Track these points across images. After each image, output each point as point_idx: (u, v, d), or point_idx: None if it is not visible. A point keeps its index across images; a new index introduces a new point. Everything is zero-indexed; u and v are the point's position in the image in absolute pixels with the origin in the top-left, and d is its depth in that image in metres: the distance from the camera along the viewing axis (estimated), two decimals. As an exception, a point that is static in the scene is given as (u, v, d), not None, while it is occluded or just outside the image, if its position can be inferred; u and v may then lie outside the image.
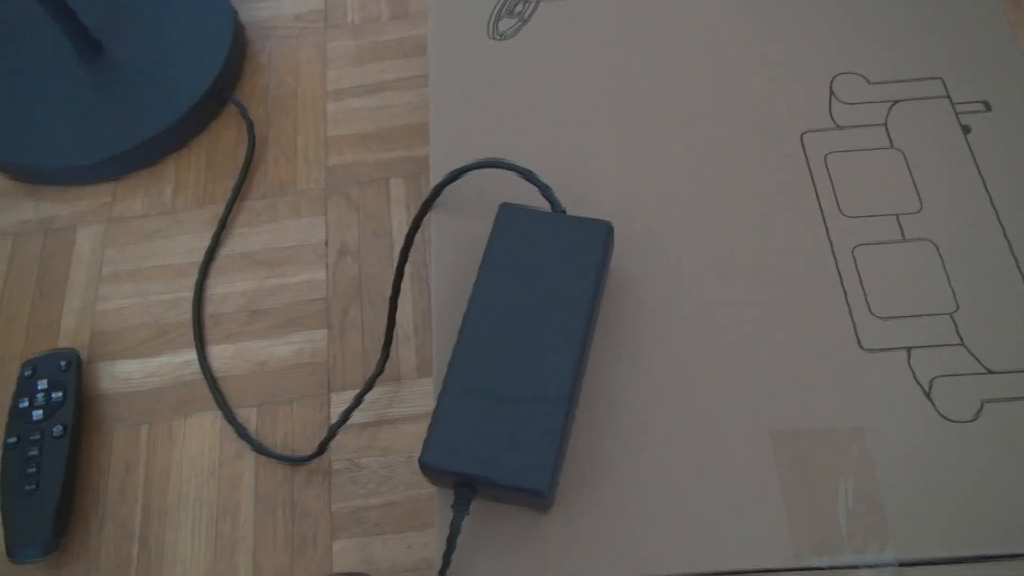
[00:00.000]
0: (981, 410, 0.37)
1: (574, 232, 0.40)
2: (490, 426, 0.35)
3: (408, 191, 0.60)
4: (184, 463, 0.51)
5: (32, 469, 0.49)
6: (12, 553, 0.47)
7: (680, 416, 0.40)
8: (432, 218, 0.47)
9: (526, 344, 0.37)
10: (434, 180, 0.48)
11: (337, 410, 0.52)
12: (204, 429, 0.52)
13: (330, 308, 0.56)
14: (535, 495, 0.34)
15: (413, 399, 0.52)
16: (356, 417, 0.52)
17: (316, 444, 0.51)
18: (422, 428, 0.51)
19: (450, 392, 0.36)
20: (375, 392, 0.53)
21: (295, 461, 0.50)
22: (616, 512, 0.38)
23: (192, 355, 0.55)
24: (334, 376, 0.54)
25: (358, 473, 0.50)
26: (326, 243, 0.59)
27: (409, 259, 0.57)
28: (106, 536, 0.50)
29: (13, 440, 0.50)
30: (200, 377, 0.54)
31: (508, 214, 0.41)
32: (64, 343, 0.56)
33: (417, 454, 0.50)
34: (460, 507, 0.35)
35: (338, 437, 0.51)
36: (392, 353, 0.54)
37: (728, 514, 0.38)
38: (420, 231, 0.59)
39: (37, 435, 0.50)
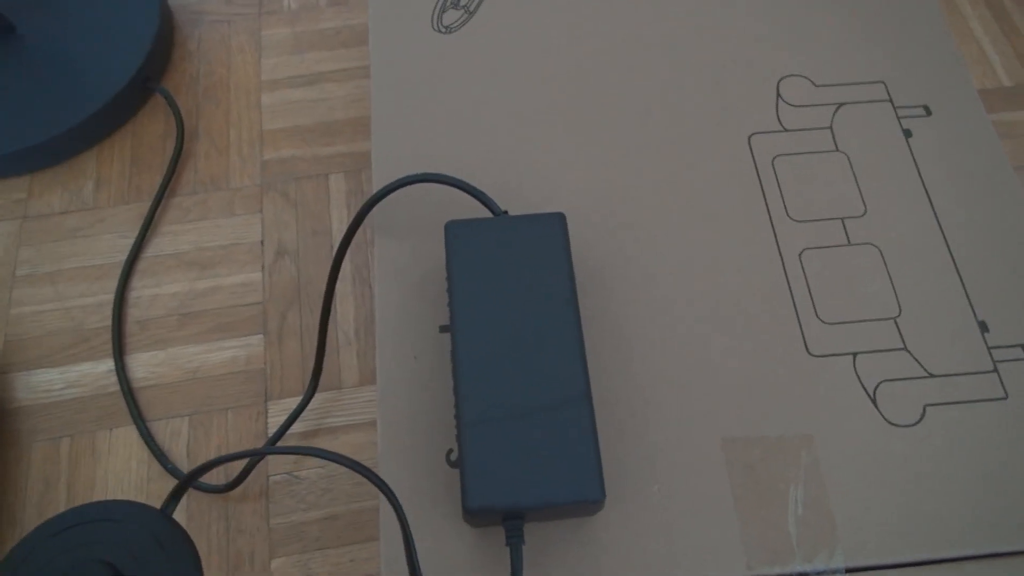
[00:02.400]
0: (924, 414, 0.38)
1: (529, 230, 0.39)
2: (523, 448, 0.34)
3: (349, 188, 0.58)
4: (110, 479, 0.48)
5: (-61, 490, 0.46)
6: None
7: (633, 418, 0.39)
8: (374, 232, 0.45)
9: (527, 353, 0.36)
10: (377, 181, 0.46)
11: (275, 420, 0.50)
12: (131, 442, 0.50)
13: (267, 312, 0.54)
14: (591, 504, 0.33)
15: (354, 407, 0.51)
16: (296, 427, 0.50)
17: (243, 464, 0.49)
18: (364, 437, 0.49)
19: (470, 425, 0.35)
20: (315, 399, 0.51)
21: (213, 490, 0.47)
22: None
23: (117, 362, 0.52)
24: (271, 384, 0.51)
25: (297, 486, 0.48)
26: (262, 243, 0.56)
27: (350, 261, 0.55)
28: (24, 559, 0.46)
29: (-83, 459, 0.46)
30: (126, 387, 0.51)
31: (457, 230, 0.40)
32: (-26, 351, 0.52)
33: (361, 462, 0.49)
34: (516, 538, 0.34)
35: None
36: (331, 360, 0.52)
37: (681, 521, 0.38)
38: (361, 230, 0.56)
39: (-56, 453, 0.47)
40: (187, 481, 0.32)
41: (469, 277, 0.38)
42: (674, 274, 0.42)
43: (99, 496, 0.48)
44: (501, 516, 0.35)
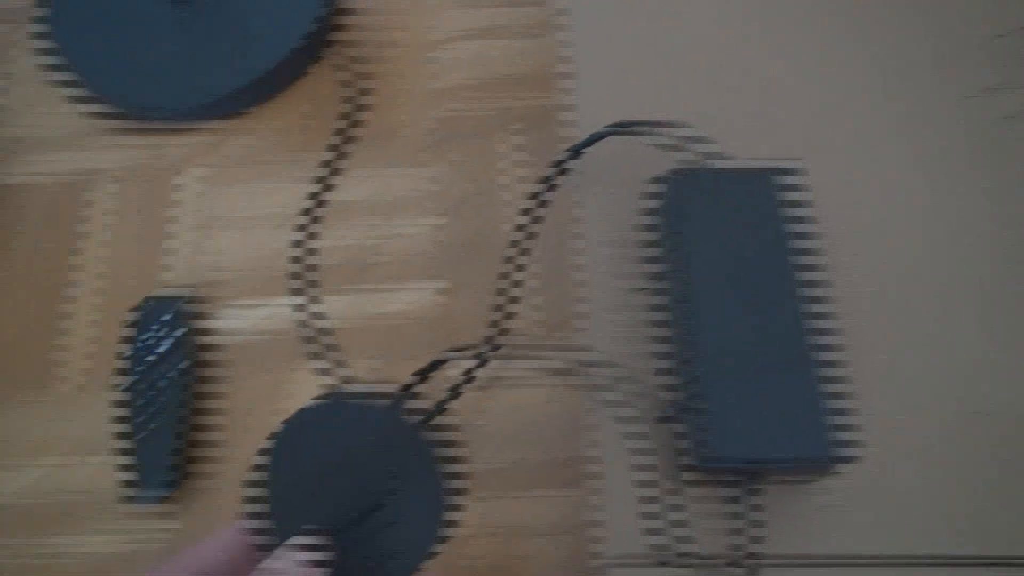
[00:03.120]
0: None
1: (756, 181, 0.38)
2: (764, 405, 0.33)
3: (522, 144, 0.58)
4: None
5: (149, 413, 0.48)
6: (131, 496, 0.46)
7: (873, 382, 0.38)
8: (574, 178, 0.44)
9: (763, 307, 0.35)
10: (580, 129, 0.45)
11: (456, 369, 0.51)
12: (318, 381, 0.51)
13: (444, 263, 0.54)
14: (837, 464, 0.33)
15: (535, 360, 0.51)
16: (480, 373, 0.50)
17: (430, 404, 0.50)
18: (544, 391, 0.50)
19: (707, 377, 0.34)
20: (496, 351, 0.51)
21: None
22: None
23: (301, 305, 0.53)
24: (450, 333, 0.52)
25: (478, 435, 0.49)
26: (437, 195, 0.57)
27: (534, 213, 0.55)
28: (221, 484, 0.49)
29: (128, 383, 0.49)
30: (310, 328, 0.53)
31: (679, 179, 0.39)
32: (171, 288, 0.55)
33: (540, 415, 0.49)
34: (747, 495, 0.34)
35: (461, 395, 0.50)
36: (515, 311, 0.52)
37: (919, 496, 0.36)
38: (549, 183, 0.56)
39: (151, 379, 0.49)
40: (417, 378, 0.32)
41: (695, 227, 0.37)
42: (916, 231, 0.40)
43: (290, 430, 0.50)
44: (733, 472, 0.34)
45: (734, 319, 0.35)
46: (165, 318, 0.51)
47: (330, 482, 0.28)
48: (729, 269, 0.36)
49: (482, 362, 0.50)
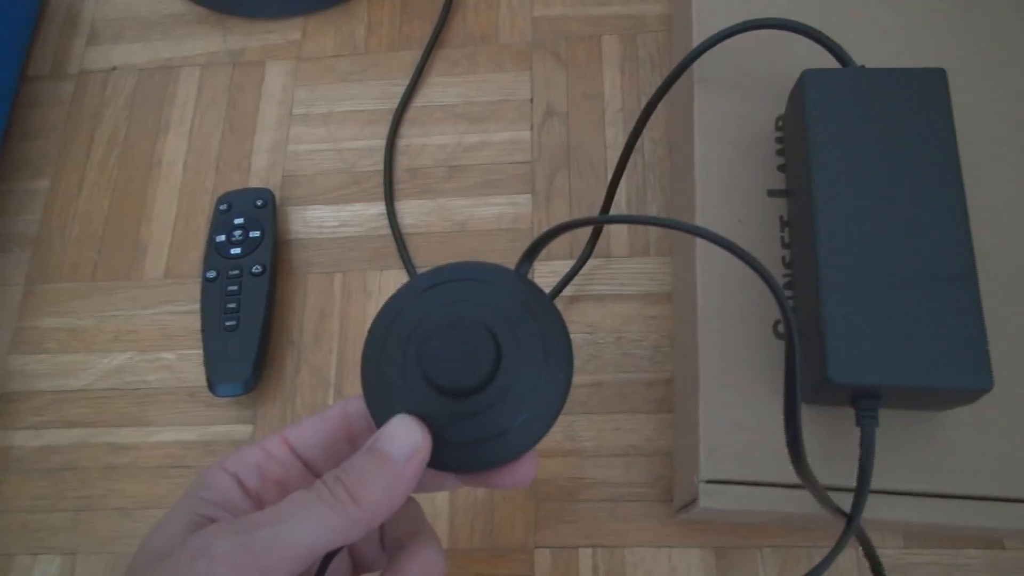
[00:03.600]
0: None
1: (903, 86, 0.34)
2: (896, 323, 0.31)
3: (623, 52, 0.54)
4: (380, 317, 0.49)
5: (232, 305, 0.48)
6: (214, 387, 0.46)
7: (1011, 309, 0.35)
8: (693, 84, 0.41)
9: (900, 220, 0.32)
10: (700, 30, 0.42)
11: (541, 280, 0.49)
12: (400, 285, 0.50)
13: (535, 172, 0.52)
14: (973, 393, 0.30)
15: (623, 277, 0.48)
16: (564, 291, 0.48)
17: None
18: (632, 308, 0.47)
19: (833, 291, 0.31)
20: (584, 265, 0.49)
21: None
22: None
23: (386, 208, 0.52)
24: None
25: (563, 348, 0.47)
26: (531, 101, 0.54)
27: (622, 129, 0.52)
28: (301, 381, 0.48)
29: (213, 274, 0.49)
30: (394, 232, 0.51)
31: (817, 80, 0.35)
32: (255, 182, 0.54)
33: (627, 333, 0.47)
34: (870, 420, 0.31)
35: (543, 308, 0.48)
36: (605, 229, 0.50)
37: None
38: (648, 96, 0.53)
39: (236, 271, 0.49)
40: (541, 241, 0.29)
41: (829, 132, 0.34)
42: None
43: (370, 332, 0.49)
44: (855, 394, 0.31)
45: (865, 232, 0.32)
46: (250, 212, 0.50)
47: (434, 359, 0.26)
48: (864, 177, 0.33)
49: (571, 276, 0.47)
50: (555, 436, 0.45)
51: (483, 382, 0.25)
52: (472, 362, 0.25)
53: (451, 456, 0.25)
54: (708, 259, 0.37)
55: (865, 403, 0.31)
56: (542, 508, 0.44)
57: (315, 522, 0.22)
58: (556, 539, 0.43)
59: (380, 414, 0.26)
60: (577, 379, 0.46)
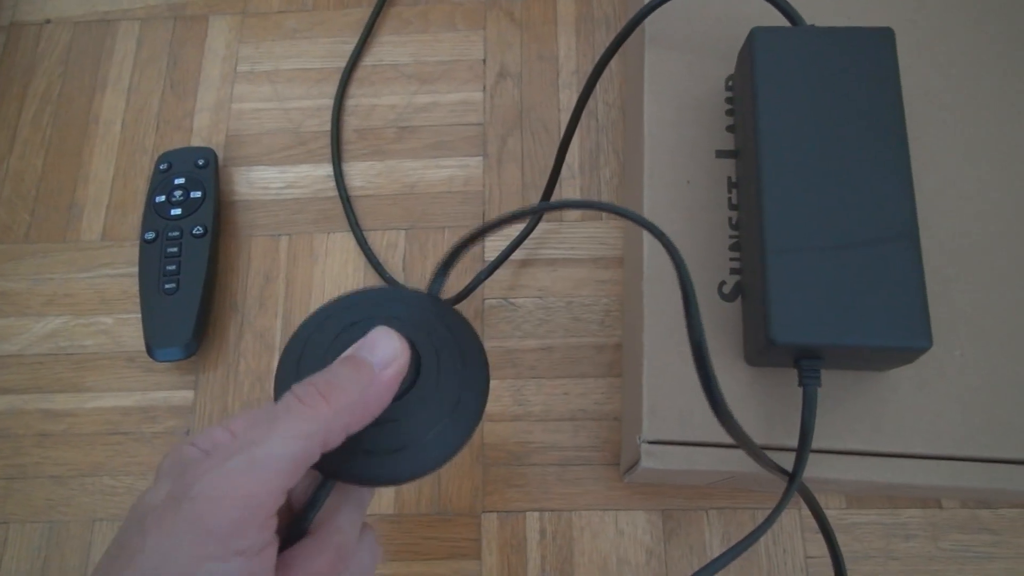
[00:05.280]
0: None
1: (851, 44, 0.34)
2: (838, 283, 0.30)
3: (578, 13, 0.53)
4: (327, 281, 0.48)
5: (172, 267, 0.46)
6: (153, 351, 0.45)
7: (944, 272, 0.35)
8: (644, 44, 0.40)
9: (844, 180, 0.32)
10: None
11: (492, 243, 0.48)
12: (348, 248, 0.49)
13: (487, 134, 0.51)
14: (913, 351, 0.30)
15: (575, 242, 0.48)
16: (514, 254, 0.48)
17: (466, 281, 0.47)
18: (583, 272, 0.47)
19: (776, 252, 0.31)
20: (535, 229, 0.48)
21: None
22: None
23: (333, 169, 0.50)
24: (489, 207, 0.49)
25: (513, 313, 0.47)
26: (484, 62, 0.53)
27: (576, 91, 0.51)
28: (245, 346, 0.47)
29: (152, 235, 0.47)
30: (341, 194, 0.50)
31: (765, 38, 0.35)
32: (197, 142, 0.52)
33: (578, 298, 0.46)
34: (812, 380, 0.31)
35: (494, 273, 0.47)
36: (555, 191, 0.49)
37: (980, 394, 0.34)
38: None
39: (176, 233, 0.47)
40: (452, 257, 0.30)
41: (777, 90, 0.34)
42: (1007, 116, 0.36)
43: (316, 295, 0.48)
44: (797, 355, 0.31)
45: (809, 192, 0.32)
46: (191, 172, 0.49)
47: None
48: (810, 136, 0.33)
49: (520, 241, 0.47)
50: (503, 400, 0.45)
51: (404, 389, 0.25)
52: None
53: (364, 466, 0.25)
54: (656, 222, 0.37)
55: (807, 363, 0.31)
56: (490, 473, 0.43)
57: (288, 434, 0.21)
58: (504, 503, 0.43)
59: None
60: (527, 343, 0.46)
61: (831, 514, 0.42)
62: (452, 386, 0.26)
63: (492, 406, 0.45)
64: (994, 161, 0.36)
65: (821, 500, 0.42)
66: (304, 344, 0.27)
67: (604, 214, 0.48)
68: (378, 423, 0.24)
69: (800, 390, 0.32)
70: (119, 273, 0.49)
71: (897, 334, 0.30)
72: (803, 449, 0.31)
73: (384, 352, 0.24)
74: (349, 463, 0.24)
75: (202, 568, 0.20)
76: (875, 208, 0.31)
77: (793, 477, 0.31)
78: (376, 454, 0.24)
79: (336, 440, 0.23)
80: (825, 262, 0.31)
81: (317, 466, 0.24)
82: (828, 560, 0.41)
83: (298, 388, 0.23)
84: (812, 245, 0.31)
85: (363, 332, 0.25)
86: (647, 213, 0.38)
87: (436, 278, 0.30)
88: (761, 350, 0.32)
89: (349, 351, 0.24)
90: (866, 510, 0.42)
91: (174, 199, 0.48)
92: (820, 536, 0.41)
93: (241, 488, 0.21)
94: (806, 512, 0.42)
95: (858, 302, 0.30)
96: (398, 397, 0.25)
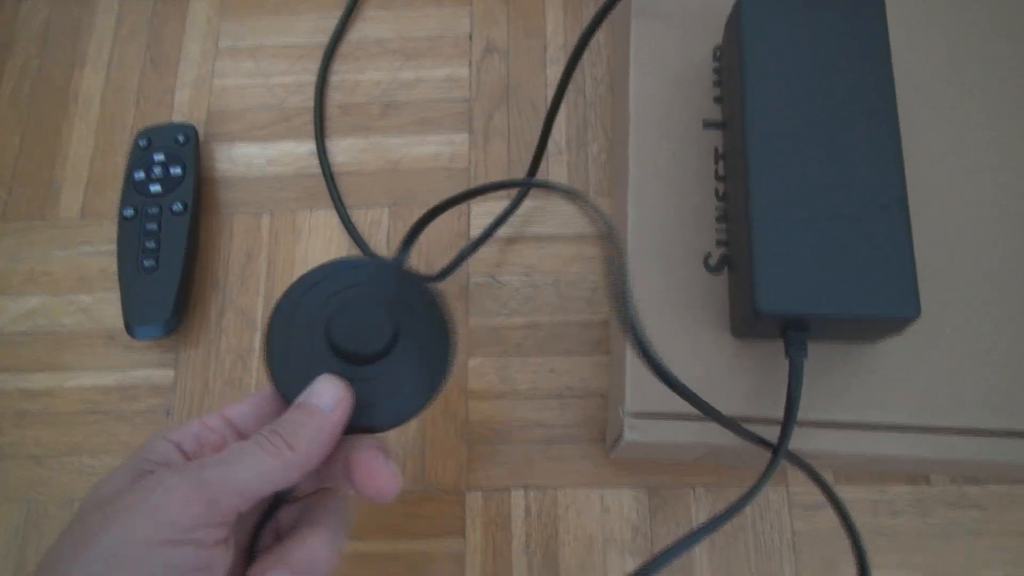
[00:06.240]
0: None
1: (839, 9, 0.33)
2: (825, 252, 0.30)
3: (567, -13, 0.52)
4: (309, 258, 0.47)
5: (151, 245, 0.45)
6: (132, 329, 0.44)
7: (937, 245, 0.34)
8: (631, 15, 0.40)
9: (833, 149, 0.31)
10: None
11: (477, 220, 0.48)
12: (331, 226, 0.48)
13: (472, 110, 0.50)
14: (902, 321, 0.29)
15: (562, 218, 0.47)
16: (499, 231, 0.47)
17: (450, 257, 0.47)
18: (570, 249, 0.46)
19: (762, 221, 0.30)
20: (521, 206, 0.47)
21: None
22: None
23: (317, 146, 0.49)
24: (475, 184, 0.48)
25: (499, 290, 0.46)
26: (470, 37, 0.52)
27: (563, 67, 0.50)
28: (226, 324, 0.46)
29: (130, 212, 0.46)
30: (325, 171, 0.49)
31: (753, 4, 0.34)
32: (178, 118, 0.51)
33: (565, 275, 0.46)
34: (798, 351, 0.30)
35: (479, 250, 0.47)
36: (540, 168, 0.48)
37: (971, 368, 0.33)
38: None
39: (156, 210, 0.46)
40: (416, 229, 0.35)
41: (765, 59, 0.33)
42: (1011, 77, 0.36)
43: (299, 273, 0.47)
44: (784, 325, 0.31)
45: (797, 161, 0.31)
46: (171, 148, 0.48)
47: (341, 331, 0.29)
48: (800, 105, 0.32)
49: (505, 216, 0.46)
50: (489, 378, 0.44)
51: (386, 349, 0.30)
52: (376, 332, 0.30)
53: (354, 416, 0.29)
54: (642, 195, 0.36)
55: (793, 334, 0.31)
56: (475, 450, 0.43)
57: (256, 466, 0.25)
58: (489, 481, 0.42)
59: (292, 384, 0.29)
60: (513, 321, 0.45)
61: (817, 489, 0.41)
62: (419, 347, 0.30)
63: (477, 383, 0.44)
64: (985, 138, 0.36)
65: (808, 478, 0.42)
66: (289, 317, 0.30)
67: (593, 189, 0.48)
68: (358, 383, 0.29)
69: (787, 362, 0.31)
70: (98, 251, 0.48)
71: (885, 303, 0.29)
72: (789, 420, 0.31)
73: (330, 398, 0.28)
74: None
75: (157, 551, 0.22)
76: (864, 177, 0.31)
77: (778, 448, 0.31)
78: (357, 407, 0.29)
79: (296, 476, 0.26)
80: (812, 231, 0.30)
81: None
82: (815, 536, 0.41)
83: (266, 432, 0.26)
84: (799, 214, 0.30)
85: (342, 304, 0.30)
86: (632, 186, 0.37)
87: (402, 249, 0.34)
88: (747, 321, 0.31)
89: (300, 398, 0.28)
90: (854, 486, 0.42)
91: (153, 176, 0.47)
92: (807, 513, 0.41)
93: (208, 493, 0.24)
94: (794, 488, 0.42)
95: (845, 272, 0.30)
96: (374, 359, 0.29)
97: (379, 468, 0.27)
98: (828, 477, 0.42)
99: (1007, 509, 0.41)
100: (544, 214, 0.47)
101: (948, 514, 0.41)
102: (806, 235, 0.30)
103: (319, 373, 0.29)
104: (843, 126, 0.31)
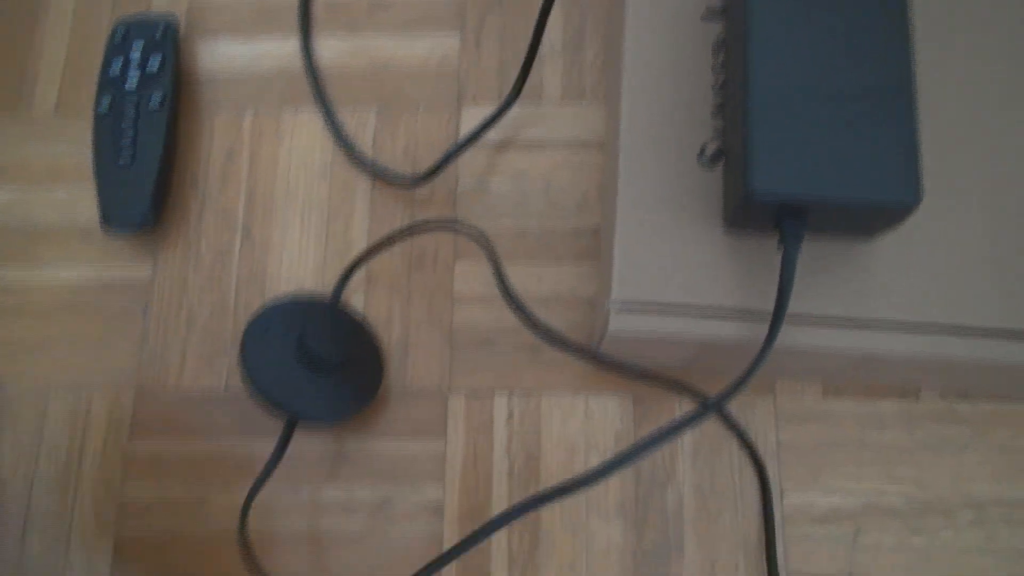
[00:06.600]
0: None
1: None
2: (825, 135, 0.28)
3: None
4: (293, 159, 0.46)
5: (127, 140, 0.44)
6: (107, 223, 0.43)
7: (940, 134, 0.33)
8: None
9: (836, 29, 0.30)
10: None
11: (468, 125, 0.46)
12: (315, 127, 0.46)
13: (465, 11, 0.48)
14: (902, 208, 0.28)
15: (554, 123, 0.46)
16: (490, 135, 0.45)
17: (435, 157, 0.45)
18: (560, 156, 0.45)
19: (761, 102, 0.29)
20: (512, 110, 0.46)
21: (399, 182, 0.44)
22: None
23: (301, 44, 0.48)
24: (466, 87, 0.47)
25: (488, 195, 0.45)
26: (464, -66, 0.49)
27: (560, -34, 0.48)
28: (206, 224, 0.45)
29: (105, 106, 0.44)
30: (309, 70, 0.47)
31: None
32: (158, 9, 0.49)
33: (556, 181, 0.45)
34: (793, 240, 0.29)
35: (469, 153, 0.45)
36: (534, 70, 0.47)
37: (966, 265, 0.32)
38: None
39: (132, 104, 0.44)
40: (351, 269, 0.42)
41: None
42: None
43: (282, 175, 0.46)
44: (779, 213, 0.30)
45: (800, 42, 0.30)
46: (149, 41, 0.46)
47: (312, 344, 0.38)
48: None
49: (494, 118, 0.45)
50: (476, 282, 0.43)
51: (341, 363, 0.39)
52: (337, 348, 0.39)
53: (314, 408, 0.38)
54: (636, 88, 0.35)
55: (789, 223, 0.29)
56: (459, 354, 0.42)
57: None
58: (472, 385, 0.42)
59: (267, 386, 0.38)
60: (501, 226, 0.44)
61: (807, 401, 0.41)
62: (362, 368, 0.40)
63: (464, 287, 0.43)
64: (997, 33, 0.34)
65: (797, 387, 0.41)
66: (261, 335, 0.39)
67: (588, 94, 0.46)
68: (318, 384, 0.39)
69: (779, 257, 0.30)
70: (74, 146, 0.46)
71: (885, 189, 0.28)
72: (780, 309, 0.30)
73: None
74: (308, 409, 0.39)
75: None
76: (869, 59, 0.29)
77: (770, 338, 0.30)
78: (313, 401, 0.38)
79: None
80: (813, 113, 0.29)
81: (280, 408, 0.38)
82: (799, 447, 0.40)
83: None
84: (800, 96, 0.29)
85: (310, 327, 0.39)
86: (627, 80, 0.35)
87: (337, 288, 0.43)
88: (741, 209, 0.30)
89: None
90: (842, 398, 0.41)
91: (130, 69, 0.45)
92: (793, 425, 0.41)
93: None
94: (779, 398, 0.41)
95: (846, 156, 0.28)
96: (331, 371, 0.39)
97: None
98: (816, 389, 0.41)
99: (995, 426, 0.41)
100: (536, 119, 0.46)
101: (936, 429, 0.41)
102: (806, 117, 0.29)
103: (290, 377, 0.38)
104: (849, 5, 0.30)
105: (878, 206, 0.28)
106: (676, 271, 0.32)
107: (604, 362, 0.38)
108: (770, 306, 0.31)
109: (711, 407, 0.30)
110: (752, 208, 0.29)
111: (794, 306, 0.31)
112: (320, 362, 0.38)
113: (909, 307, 0.32)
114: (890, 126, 0.29)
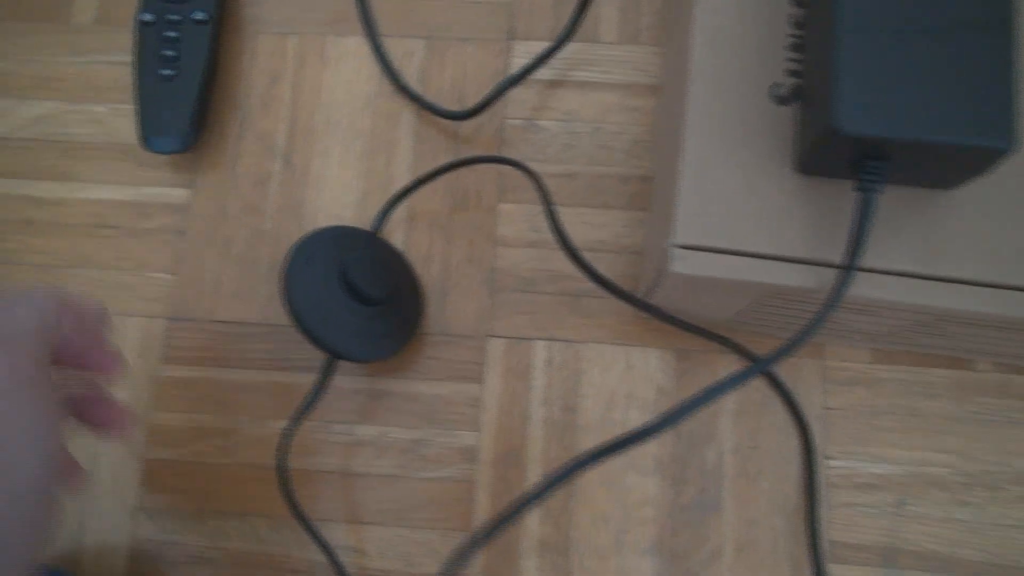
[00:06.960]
0: None
1: None
2: (915, 72, 0.27)
3: None
4: (337, 87, 0.44)
5: (171, 52, 0.42)
6: (148, 140, 0.42)
7: None
8: None
9: None
10: None
11: (517, 61, 0.44)
12: (362, 54, 0.45)
13: (522, -59, 0.46)
14: (993, 154, 0.26)
15: (608, 64, 0.44)
16: (541, 72, 0.44)
17: (484, 92, 0.43)
18: (614, 98, 0.43)
19: (848, 32, 0.27)
20: (566, 47, 0.44)
21: (446, 115, 0.43)
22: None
23: (351, -31, 0.46)
24: (519, 20, 0.45)
25: (536, 135, 0.43)
26: None
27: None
28: (245, 148, 0.44)
29: (150, 17, 0.43)
30: (358, -4, 0.45)
31: None
32: (203, -75, 0.47)
33: (606, 125, 0.43)
34: (873, 183, 0.28)
35: (518, 91, 0.44)
36: (591, 8, 0.45)
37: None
38: None
39: (176, 16, 0.43)
40: (394, 202, 0.41)
41: None
42: None
43: (326, 101, 0.44)
44: (861, 153, 0.28)
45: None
46: (194, -46, 0.44)
47: (356, 277, 0.37)
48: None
49: (547, 55, 0.43)
50: (519, 225, 0.42)
51: (388, 296, 0.38)
52: (382, 282, 0.37)
53: (355, 345, 0.37)
54: (708, 22, 0.33)
55: (872, 164, 0.28)
56: (499, 297, 0.41)
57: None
58: (511, 329, 0.41)
59: (310, 315, 0.36)
60: (549, 168, 0.43)
61: (855, 367, 0.40)
62: (404, 305, 0.40)
63: (506, 230, 0.42)
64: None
65: (846, 353, 0.40)
66: (305, 263, 0.37)
67: (643, 36, 0.44)
68: (360, 319, 0.37)
69: (853, 201, 0.29)
70: (115, 60, 0.45)
71: (976, 132, 0.26)
72: (853, 257, 0.28)
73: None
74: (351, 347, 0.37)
75: None
76: (966, -6, 0.27)
77: (839, 289, 0.28)
78: (353, 338, 0.37)
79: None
80: (903, 48, 0.27)
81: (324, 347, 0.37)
82: (847, 412, 0.39)
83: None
84: (890, 29, 0.27)
85: (355, 258, 0.37)
86: (698, 14, 0.34)
87: (377, 221, 0.41)
88: (820, 149, 0.28)
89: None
90: (892, 365, 0.40)
91: (175, -19, 0.44)
92: (842, 390, 0.39)
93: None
94: (828, 363, 0.40)
95: (937, 95, 0.26)
96: (377, 302, 0.37)
97: (107, 404, 0.31)
98: (865, 356, 0.40)
99: (1050, 403, 0.39)
100: (589, 59, 0.44)
101: (988, 402, 0.39)
102: (896, 52, 0.27)
103: (333, 312, 0.36)
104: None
105: (968, 150, 0.27)
106: (742, 214, 0.30)
107: (653, 311, 0.37)
108: (838, 255, 0.30)
109: (762, 364, 0.29)
110: (833, 148, 0.28)
111: (864, 258, 0.29)
112: (362, 298, 0.37)
113: (986, 265, 0.30)
114: (987, 66, 0.27)
